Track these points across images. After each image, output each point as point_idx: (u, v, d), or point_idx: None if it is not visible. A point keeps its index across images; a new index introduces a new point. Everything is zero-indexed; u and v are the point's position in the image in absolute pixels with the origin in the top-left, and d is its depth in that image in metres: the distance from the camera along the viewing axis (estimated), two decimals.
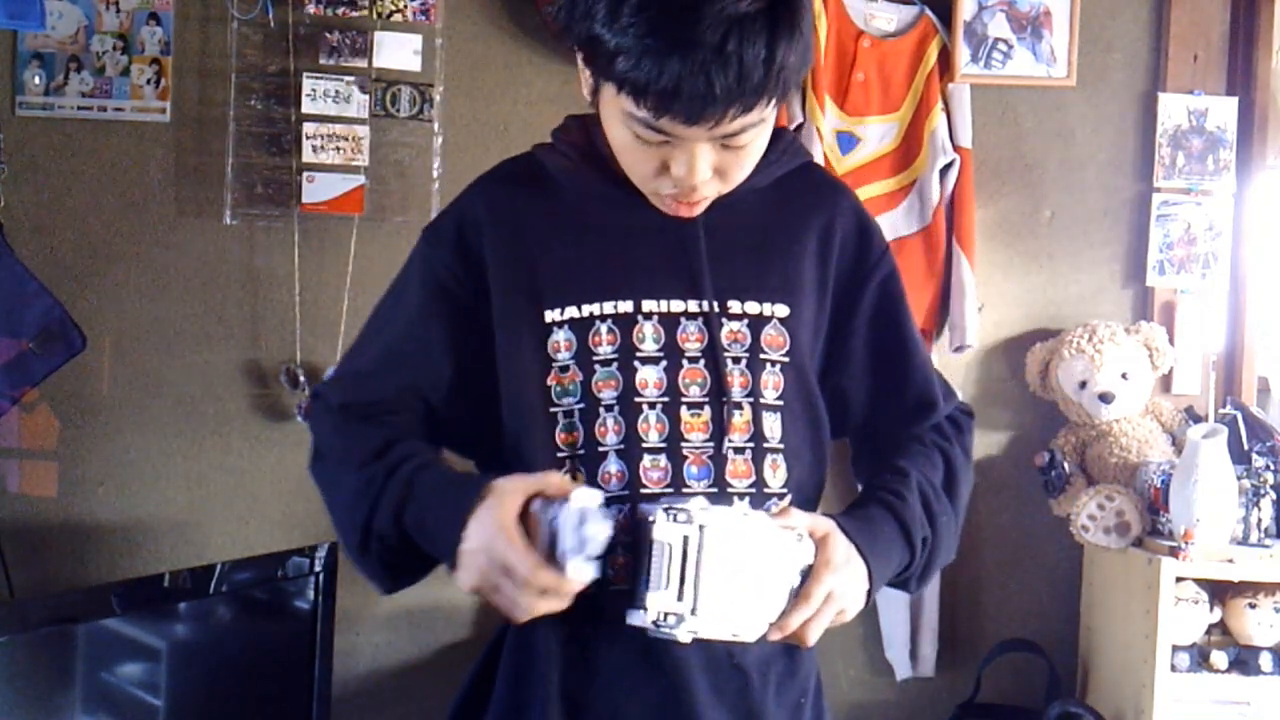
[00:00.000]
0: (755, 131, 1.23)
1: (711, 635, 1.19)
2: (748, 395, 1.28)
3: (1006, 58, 2.87)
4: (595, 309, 1.28)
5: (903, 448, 1.37)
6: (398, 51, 2.77)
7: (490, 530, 1.16)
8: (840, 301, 1.37)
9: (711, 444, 1.27)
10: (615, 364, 1.27)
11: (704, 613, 1.17)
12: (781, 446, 1.30)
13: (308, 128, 2.76)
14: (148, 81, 2.82)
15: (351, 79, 2.76)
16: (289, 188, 2.78)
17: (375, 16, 2.76)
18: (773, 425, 1.29)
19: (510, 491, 1.18)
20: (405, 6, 2.77)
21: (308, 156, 2.76)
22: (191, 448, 2.86)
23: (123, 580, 2.58)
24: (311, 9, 2.75)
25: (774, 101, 1.21)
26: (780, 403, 1.30)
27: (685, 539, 1.17)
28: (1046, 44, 2.88)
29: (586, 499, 1.16)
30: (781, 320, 1.31)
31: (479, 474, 1.31)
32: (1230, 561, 2.50)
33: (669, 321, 1.28)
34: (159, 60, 2.82)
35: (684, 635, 1.18)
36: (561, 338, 1.28)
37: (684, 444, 1.26)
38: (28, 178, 2.82)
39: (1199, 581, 2.56)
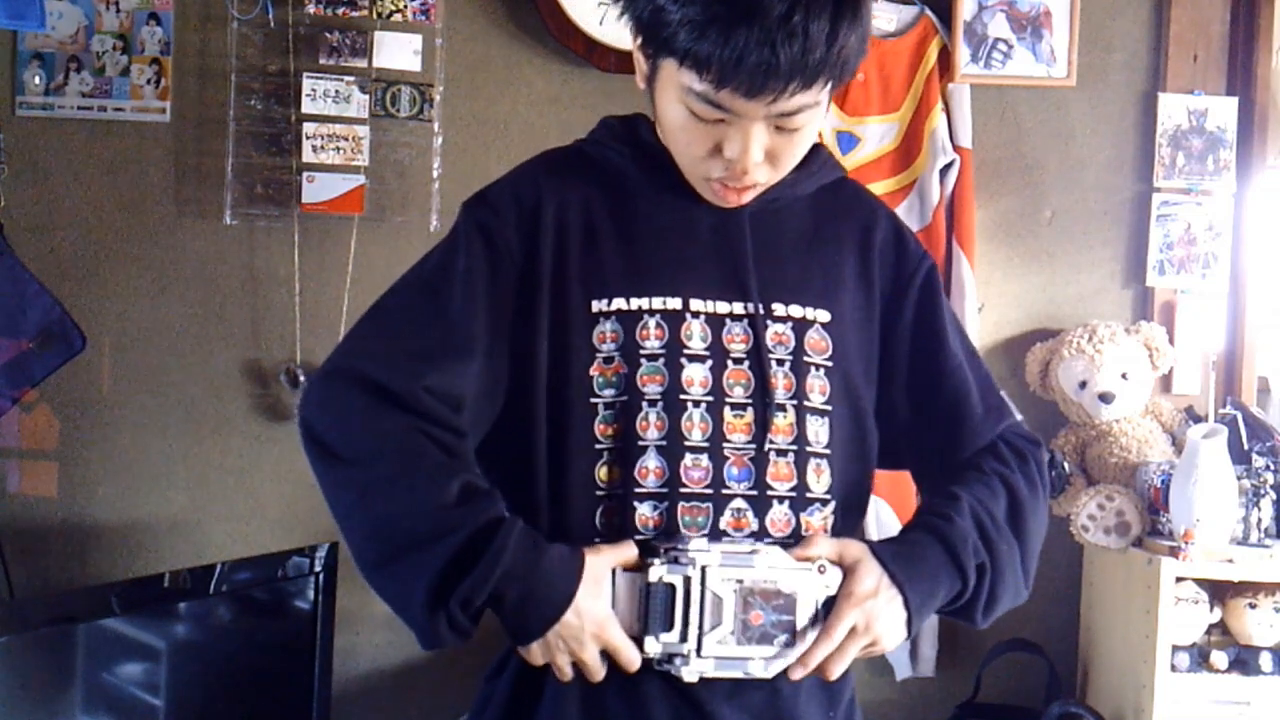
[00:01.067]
0: (810, 114, 1.23)
1: (720, 674, 1.21)
2: (792, 398, 1.28)
3: (1006, 58, 2.87)
4: (644, 303, 1.28)
5: (958, 476, 1.35)
6: (398, 51, 2.77)
7: (598, 617, 1.20)
8: (886, 311, 1.38)
9: (753, 445, 1.27)
10: (662, 359, 1.27)
11: (709, 653, 1.20)
12: (828, 451, 1.30)
13: (308, 128, 2.76)
14: (148, 81, 2.82)
15: (351, 79, 2.77)
16: (289, 188, 2.78)
17: (375, 16, 2.76)
18: (818, 430, 1.29)
19: (604, 571, 1.21)
20: (405, 6, 2.77)
21: (308, 156, 2.76)
22: (191, 448, 2.86)
23: (123, 580, 2.58)
24: (311, 9, 2.75)
25: (830, 84, 1.22)
26: (828, 407, 1.30)
27: (687, 579, 1.20)
28: (1046, 44, 2.88)
29: (663, 573, 1.21)
30: (824, 325, 1.32)
31: (560, 543, 1.23)
32: (1230, 561, 2.50)
33: (715, 321, 1.29)
34: (159, 60, 2.82)
35: (689, 675, 1.21)
36: (608, 329, 1.27)
37: (726, 444, 1.26)
38: (28, 178, 2.82)
39: (1199, 581, 2.56)
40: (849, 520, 1.33)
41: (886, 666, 2.89)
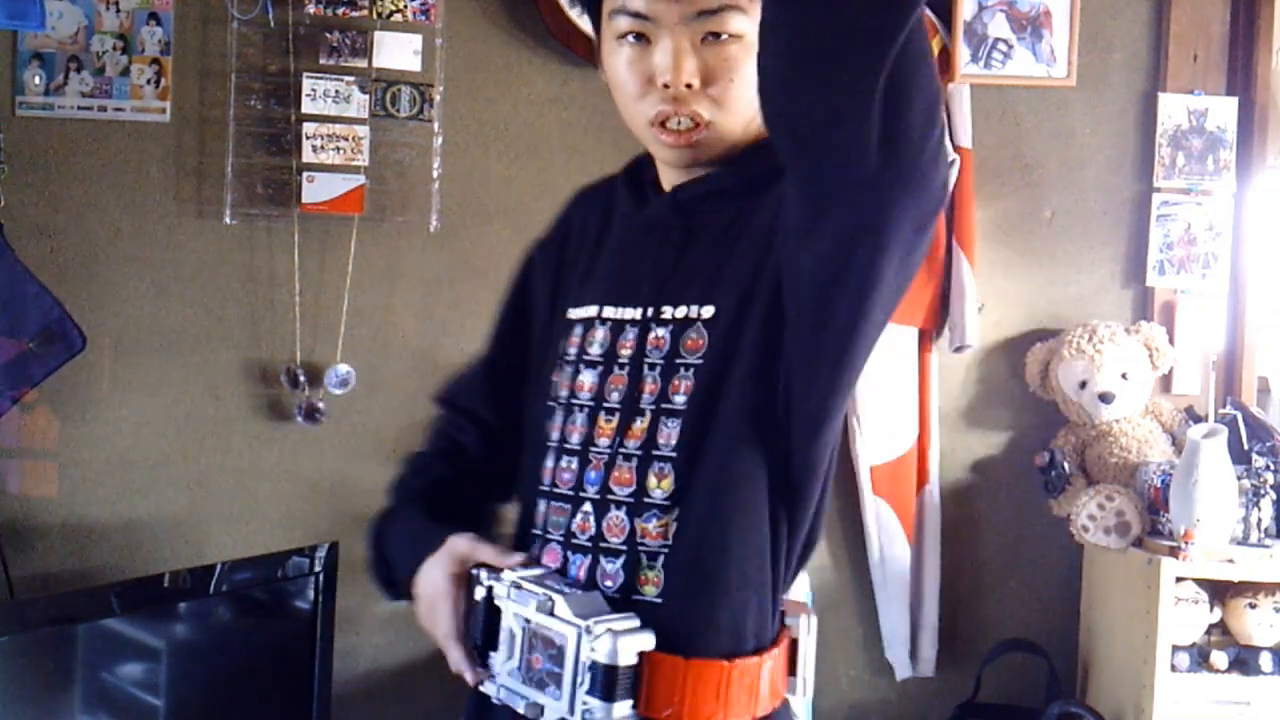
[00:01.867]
0: (738, 21, 1.21)
1: (508, 704, 1.23)
2: (653, 402, 1.25)
3: (1006, 58, 2.87)
4: (579, 312, 1.34)
5: None
6: (398, 51, 2.77)
7: (428, 587, 1.32)
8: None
9: (610, 449, 1.26)
10: (570, 367, 1.32)
11: (501, 681, 1.25)
12: (673, 455, 1.22)
13: (308, 128, 2.76)
14: (148, 81, 2.82)
15: (351, 79, 2.77)
16: (289, 188, 2.78)
17: (375, 16, 2.76)
18: (670, 432, 1.23)
19: (457, 552, 1.29)
20: (405, 6, 2.77)
21: (308, 156, 2.76)
22: (191, 448, 2.86)
23: (123, 580, 2.57)
24: (311, 9, 2.75)
25: None
26: (683, 408, 1.23)
27: (491, 601, 1.25)
28: (1046, 44, 2.88)
29: (483, 593, 1.24)
30: (705, 322, 1.24)
31: (445, 526, 1.34)
32: (1230, 561, 2.50)
33: (616, 327, 1.30)
34: (159, 60, 2.82)
35: (490, 692, 1.26)
36: (566, 336, 1.35)
37: (592, 448, 1.27)
38: (28, 178, 2.82)
39: (1199, 581, 2.56)
40: (703, 526, 1.21)
41: (886, 666, 2.89)
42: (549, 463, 1.30)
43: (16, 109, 2.82)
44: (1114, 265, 2.95)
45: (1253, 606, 2.57)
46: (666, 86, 1.23)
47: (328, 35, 2.76)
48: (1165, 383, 2.90)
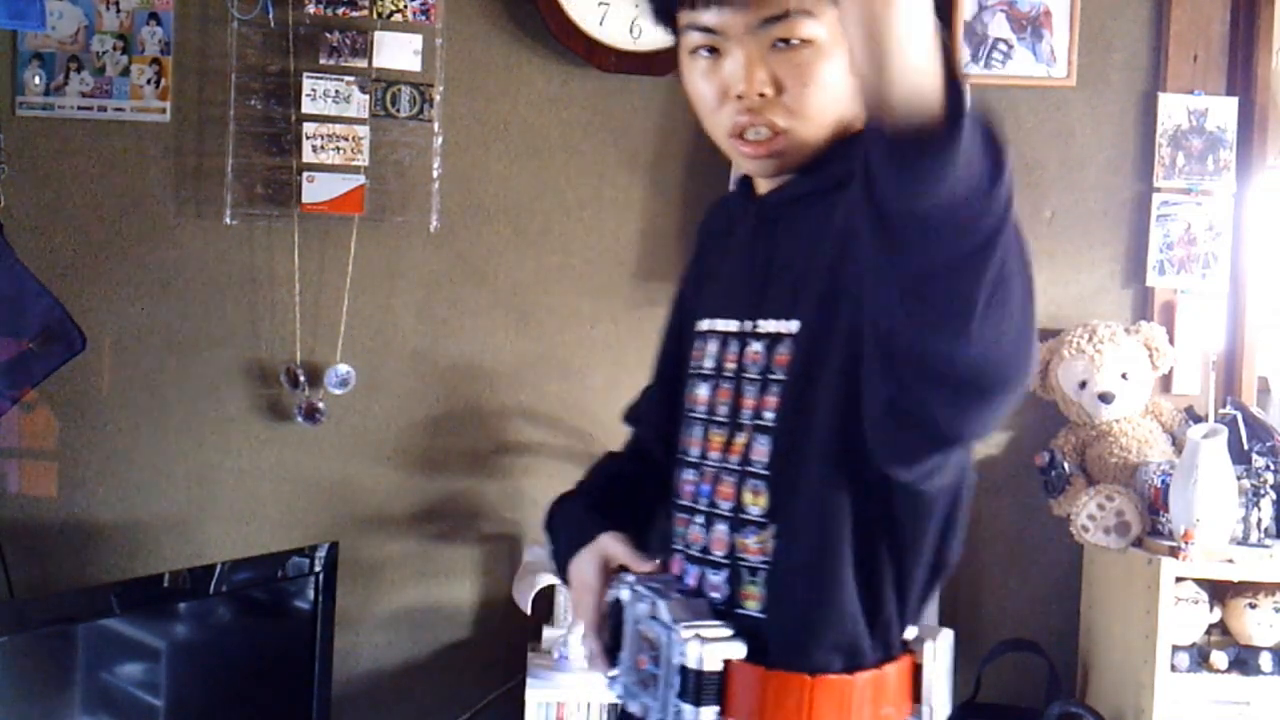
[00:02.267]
0: (807, 26, 1.20)
1: (626, 703, 1.28)
2: (751, 417, 1.26)
3: (1006, 58, 2.87)
4: (701, 325, 1.37)
5: None
6: (398, 51, 2.77)
7: (577, 578, 1.35)
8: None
9: (718, 463, 1.28)
10: (692, 379, 1.35)
11: (621, 680, 1.28)
12: (765, 472, 1.23)
13: (308, 128, 2.76)
14: (148, 81, 2.82)
15: (351, 79, 2.77)
16: (289, 188, 2.78)
17: (375, 16, 2.76)
18: (760, 449, 1.24)
19: (604, 550, 1.34)
20: (405, 6, 2.77)
21: (308, 156, 2.76)
22: (191, 448, 2.86)
23: (123, 580, 2.58)
24: (311, 9, 2.75)
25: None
26: (773, 425, 1.23)
27: (619, 604, 1.29)
28: (1046, 44, 2.88)
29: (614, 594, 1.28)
30: (791, 336, 1.24)
31: (606, 520, 1.40)
32: (1230, 561, 2.50)
33: (721, 340, 1.31)
34: (159, 60, 2.82)
35: (615, 692, 1.29)
36: (695, 348, 1.38)
37: (705, 461, 1.30)
38: (28, 178, 2.82)
39: (1199, 581, 2.56)
40: (800, 545, 1.20)
41: None
42: (678, 474, 1.34)
43: (16, 109, 2.82)
44: (1114, 265, 2.95)
45: (1253, 606, 2.57)
46: (740, 97, 1.22)
47: (328, 35, 2.76)
48: (1165, 383, 2.90)
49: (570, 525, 1.42)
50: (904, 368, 1.03)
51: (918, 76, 0.91)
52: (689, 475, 1.31)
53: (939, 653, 1.27)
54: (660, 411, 1.45)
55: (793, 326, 1.23)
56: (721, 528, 1.26)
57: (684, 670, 1.17)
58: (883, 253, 0.98)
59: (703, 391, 1.32)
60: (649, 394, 1.53)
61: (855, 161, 1.05)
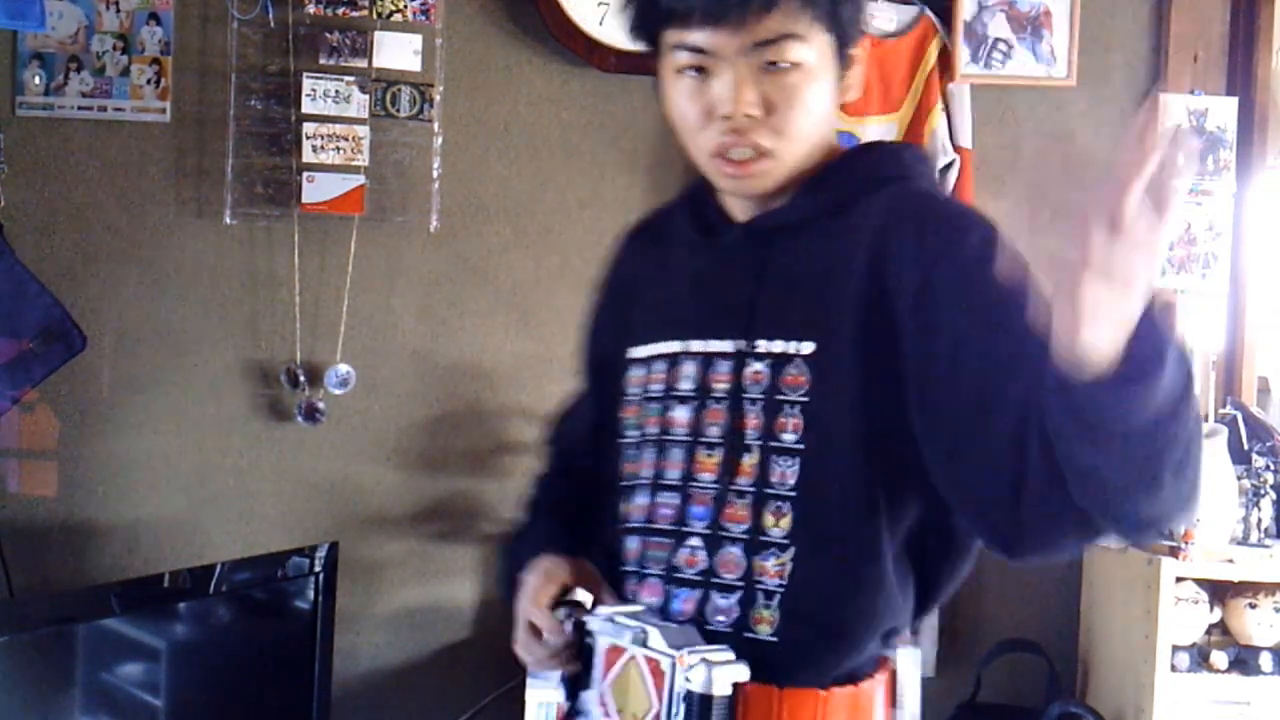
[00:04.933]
0: (798, 52, 1.21)
1: None
2: (759, 438, 1.24)
3: (1006, 58, 2.87)
4: (655, 348, 1.33)
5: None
6: (398, 51, 2.77)
7: (522, 600, 1.30)
8: (917, 319, 1.18)
9: (718, 485, 1.26)
10: (658, 403, 1.31)
11: (581, 707, 1.25)
12: (791, 494, 1.22)
13: (308, 128, 2.76)
14: (148, 81, 2.82)
15: (351, 79, 2.76)
16: (289, 188, 2.78)
17: (375, 16, 2.76)
18: (785, 471, 1.22)
19: (549, 571, 1.30)
20: (405, 6, 2.77)
21: (308, 156, 2.76)
22: (191, 448, 2.86)
23: (123, 580, 2.58)
24: (311, 9, 2.75)
25: (812, 19, 1.22)
26: (799, 446, 1.22)
27: (594, 640, 1.25)
28: (1046, 44, 2.88)
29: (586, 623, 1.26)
30: (805, 358, 1.23)
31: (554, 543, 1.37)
32: (1230, 561, 2.50)
33: (705, 361, 1.29)
34: (159, 60, 2.82)
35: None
36: (634, 374, 1.35)
37: (693, 483, 1.27)
38: (28, 178, 2.82)
39: (1199, 581, 2.56)
40: (822, 567, 1.21)
41: None
42: (640, 499, 1.31)
43: (16, 109, 2.82)
44: None
45: (1253, 606, 2.57)
46: (727, 118, 1.22)
47: (328, 35, 2.76)
48: None
49: (524, 551, 1.38)
50: (1087, 506, 1.05)
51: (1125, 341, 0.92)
52: (665, 498, 1.29)
53: (917, 657, 1.32)
54: (594, 436, 1.43)
55: (806, 348, 1.23)
56: (734, 550, 1.24)
57: (690, 696, 1.14)
58: (1083, 456, 1.01)
59: (681, 414, 1.29)
60: (576, 418, 1.51)
61: (849, 185, 1.26)
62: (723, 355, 1.28)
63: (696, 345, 1.30)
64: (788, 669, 1.20)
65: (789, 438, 1.23)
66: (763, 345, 1.26)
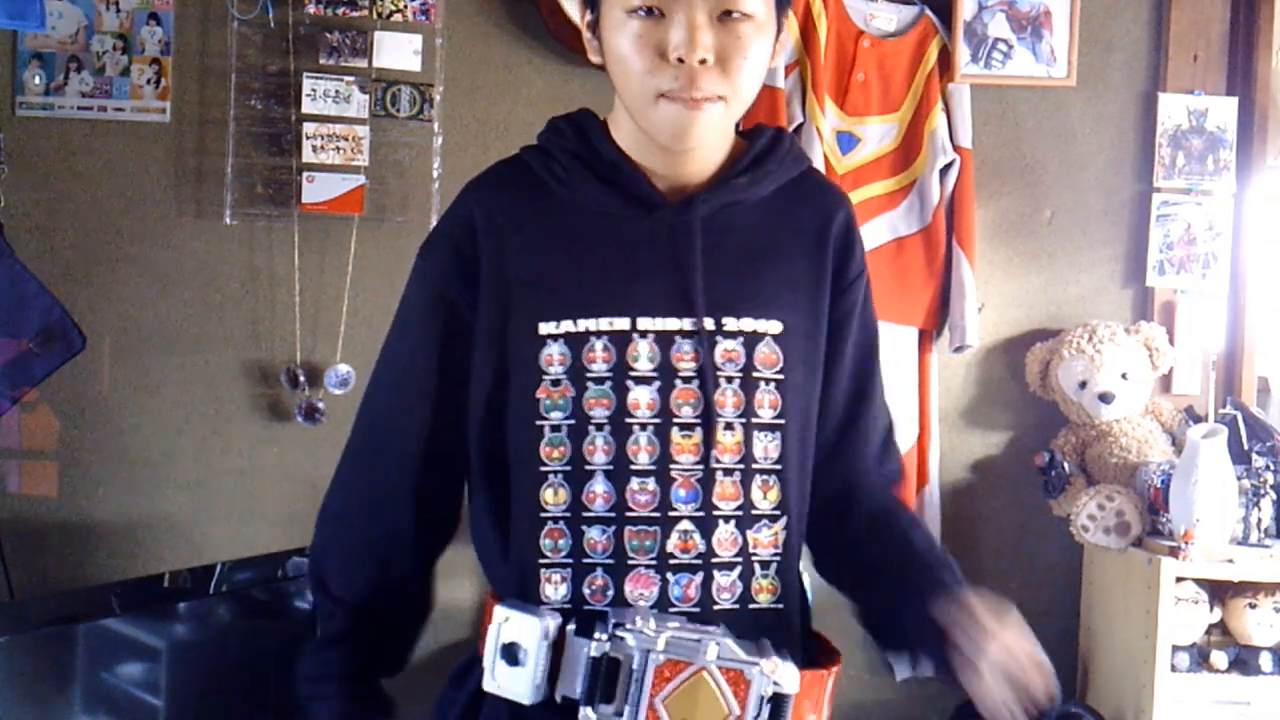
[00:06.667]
0: (751, 1, 1.22)
1: None
2: (740, 415, 1.25)
3: (1006, 58, 2.87)
4: (591, 324, 1.25)
5: (911, 528, 1.37)
6: (398, 51, 2.77)
7: None
8: (833, 311, 1.33)
9: (701, 466, 1.24)
10: (609, 383, 1.24)
11: None
12: (778, 467, 1.27)
13: (308, 128, 2.76)
14: (148, 81, 2.82)
15: (351, 79, 2.77)
16: (289, 188, 2.78)
17: (375, 16, 2.76)
18: (768, 446, 1.26)
19: None
20: (405, 6, 2.77)
21: (308, 156, 2.76)
22: (191, 448, 2.86)
23: (123, 580, 2.57)
24: (311, 9, 2.75)
25: None
26: (779, 422, 1.27)
27: (629, 659, 1.19)
28: (1046, 44, 2.88)
29: (607, 649, 1.21)
30: (775, 337, 1.27)
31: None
32: (1230, 561, 2.50)
33: (664, 339, 1.25)
34: (159, 60, 2.82)
35: None
36: (555, 351, 1.25)
37: (673, 466, 1.24)
38: (28, 178, 2.82)
39: (1199, 581, 2.56)
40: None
41: (886, 666, 2.89)
42: (597, 486, 1.24)
43: (16, 109, 2.82)
44: (1114, 265, 2.95)
45: (1253, 606, 2.57)
46: (681, 61, 1.22)
47: (328, 35, 2.76)
48: (1165, 383, 2.90)
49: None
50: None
51: None
52: (639, 483, 1.24)
53: None
54: (423, 465, 1.34)
55: (774, 327, 1.28)
56: (728, 527, 1.25)
57: (774, 698, 1.18)
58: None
59: (643, 395, 1.24)
60: (388, 442, 1.36)
61: (787, 166, 1.33)
62: (683, 334, 1.25)
63: (646, 323, 1.25)
64: (790, 635, 1.28)
65: (768, 414, 1.27)
66: (731, 323, 1.26)
